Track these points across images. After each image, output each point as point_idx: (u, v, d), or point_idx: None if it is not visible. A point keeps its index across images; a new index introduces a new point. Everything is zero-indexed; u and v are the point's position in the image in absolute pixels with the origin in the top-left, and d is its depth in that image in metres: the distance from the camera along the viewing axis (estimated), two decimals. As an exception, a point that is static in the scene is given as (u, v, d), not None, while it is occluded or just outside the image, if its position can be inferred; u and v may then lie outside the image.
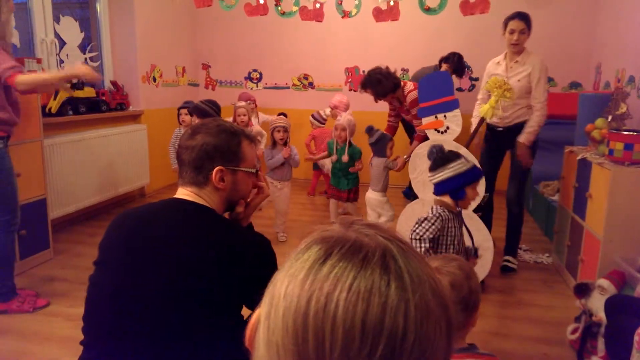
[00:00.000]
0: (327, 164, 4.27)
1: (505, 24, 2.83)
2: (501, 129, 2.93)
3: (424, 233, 1.79)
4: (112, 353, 1.11)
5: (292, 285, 0.40)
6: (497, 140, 3.01)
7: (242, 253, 1.15)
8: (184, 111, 3.69)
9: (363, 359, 0.36)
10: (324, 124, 4.73)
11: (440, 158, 1.88)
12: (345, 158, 3.53)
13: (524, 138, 2.80)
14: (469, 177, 1.85)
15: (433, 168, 1.90)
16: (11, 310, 2.42)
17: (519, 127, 2.86)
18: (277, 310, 0.40)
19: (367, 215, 3.40)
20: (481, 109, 2.55)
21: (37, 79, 2.33)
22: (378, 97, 3.32)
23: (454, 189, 1.86)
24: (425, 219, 1.82)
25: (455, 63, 4.32)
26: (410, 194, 4.47)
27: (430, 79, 2.76)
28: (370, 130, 3.31)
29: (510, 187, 3.04)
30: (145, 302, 1.10)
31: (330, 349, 0.36)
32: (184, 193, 1.23)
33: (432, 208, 1.89)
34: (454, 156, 1.88)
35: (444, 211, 1.85)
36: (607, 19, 4.37)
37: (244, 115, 4.13)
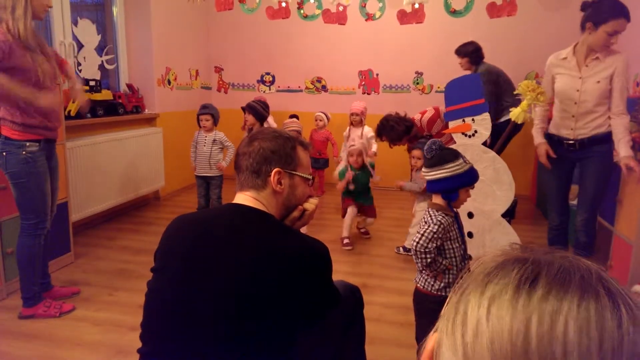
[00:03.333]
0: (335, 175, 4.24)
1: (605, 20, 2.30)
2: (572, 141, 2.51)
3: (428, 244, 1.72)
4: (171, 362, 1.09)
5: (496, 308, 0.37)
6: (565, 155, 2.57)
7: (302, 259, 1.13)
8: (204, 117, 3.72)
9: None
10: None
11: (439, 156, 1.81)
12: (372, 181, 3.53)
13: (626, 151, 2.30)
14: (465, 180, 1.79)
15: (430, 165, 1.83)
16: (38, 315, 2.40)
17: (595, 140, 2.45)
18: (480, 336, 0.37)
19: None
20: (512, 112, 2.52)
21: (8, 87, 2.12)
22: (393, 142, 3.43)
23: (447, 189, 1.79)
24: (427, 229, 1.75)
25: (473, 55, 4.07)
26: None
27: (460, 81, 2.73)
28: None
29: (579, 213, 2.59)
30: (205, 310, 1.07)
31: None
32: (242, 198, 1.22)
33: (428, 212, 1.82)
34: (453, 156, 1.80)
35: (443, 216, 1.79)
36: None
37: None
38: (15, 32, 2.15)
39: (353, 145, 3.55)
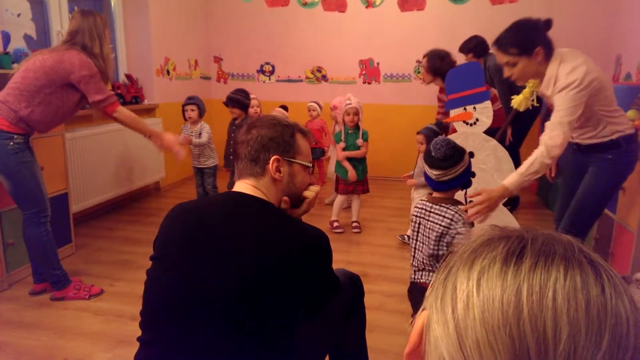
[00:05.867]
0: (330, 170, 4.22)
1: None
2: (574, 142, 2.29)
3: None
4: (171, 350, 1.08)
5: (486, 280, 0.39)
6: (576, 155, 2.34)
7: (302, 248, 1.12)
8: (189, 107, 3.65)
9: (590, 351, 0.35)
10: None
11: (457, 153, 1.74)
12: (360, 141, 3.49)
13: (507, 180, 1.97)
14: (470, 165, 1.81)
15: (449, 165, 1.72)
16: (68, 297, 2.48)
17: (592, 147, 2.19)
18: (471, 307, 0.38)
19: None
20: (514, 100, 2.50)
21: (133, 118, 2.55)
22: (430, 71, 3.44)
23: (466, 180, 1.78)
24: (464, 230, 1.71)
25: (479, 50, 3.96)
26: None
27: (460, 69, 2.71)
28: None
29: (567, 216, 2.32)
30: (204, 298, 1.07)
31: (555, 341, 0.35)
32: (242, 186, 1.21)
33: (448, 209, 1.74)
34: (461, 148, 1.77)
35: (463, 213, 1.76)
36: (628, 9, 4.31)
37: (257, 107, 4.11)
38: (101, 66, 2.38)
39: (350, 104, 3.46)
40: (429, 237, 1.78)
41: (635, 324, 0.36)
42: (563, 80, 1.94)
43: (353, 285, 1.49)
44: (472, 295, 0.38)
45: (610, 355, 0.34)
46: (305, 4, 4.94)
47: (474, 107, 2.65)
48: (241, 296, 1.06)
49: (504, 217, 2.68)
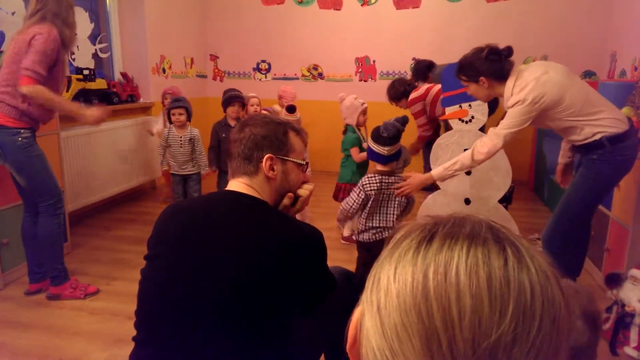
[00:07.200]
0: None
1: None
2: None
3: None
4: (166, 350, 1.08)
5: (401, 266, 0.41)
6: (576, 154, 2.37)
7: (298, 246, 1.12)
8: (177, 111, 3.46)
9: (494, 323, 0.36)
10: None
11: (399, 133, 2.09)
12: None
13: (434, 170, 2.24)
14: None
15: (396, 142, 2.10)
16: (64, 295, 2.47)
17: (581, 148, 2.18)
18: (389, 294, 0.40)
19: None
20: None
21: (49, 98, 2.23)
22: (391, 100, 3.79)
23: (400, 153, 2.16)
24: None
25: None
26: (429, 186, 4.41)
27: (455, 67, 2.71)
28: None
29: (554, 213, 2.30)
30: (200, 297, 1.07)
31: (460, 317, 0.36)
32: (235, 185, 1.21)
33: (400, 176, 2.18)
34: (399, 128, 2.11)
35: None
36: (622, 6, 4.32)
37: (257, 105, 4.08)
38: (65, 38, 2.30)
39: (365, 103, 3.27)
40: (395, 201, 2.17)
41: (542, 293, 0.38)
42: (513, 98, 2.07)
43: (349, 283, 1.49)
44: (390, 281, 0.41)
45: (516, 323, 0.36)
46: (300, 2, 4.93)
47: (470, 105, 2.66)
48: (237, 294, 1.06)
49: (500, 215, 2.69)
